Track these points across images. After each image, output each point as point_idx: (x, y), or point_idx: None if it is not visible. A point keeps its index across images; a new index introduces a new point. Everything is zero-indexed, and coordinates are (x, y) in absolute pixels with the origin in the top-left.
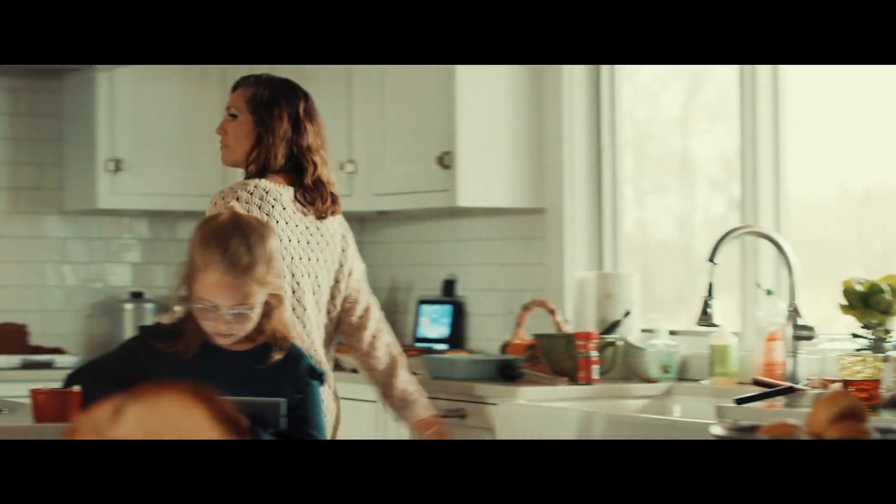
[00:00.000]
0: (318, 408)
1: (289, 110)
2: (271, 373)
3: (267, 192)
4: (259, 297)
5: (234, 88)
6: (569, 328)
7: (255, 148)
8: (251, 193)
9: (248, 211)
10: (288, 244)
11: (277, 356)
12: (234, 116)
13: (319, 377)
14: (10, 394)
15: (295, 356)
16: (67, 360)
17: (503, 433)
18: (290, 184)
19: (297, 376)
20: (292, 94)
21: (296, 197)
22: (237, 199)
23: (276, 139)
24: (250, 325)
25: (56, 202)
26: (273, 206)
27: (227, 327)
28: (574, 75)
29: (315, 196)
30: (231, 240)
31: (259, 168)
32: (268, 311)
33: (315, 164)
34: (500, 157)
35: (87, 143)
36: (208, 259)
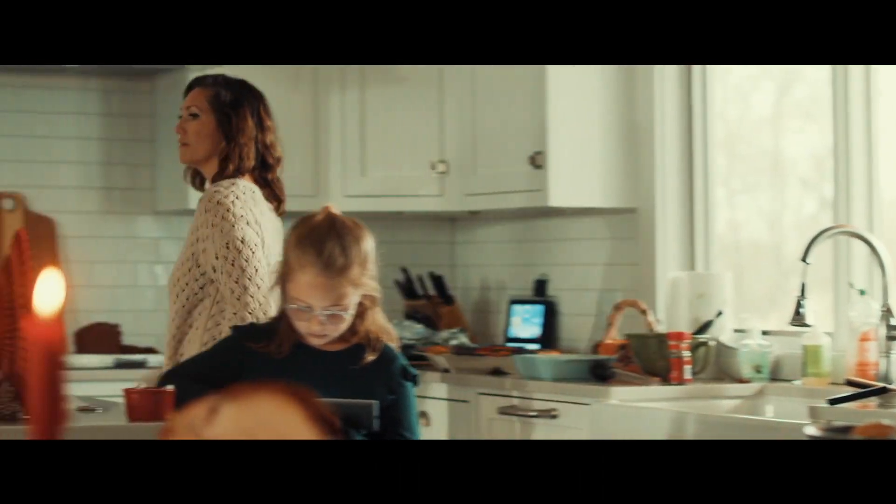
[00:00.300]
0: (411, 409)
1: (251, 110)
2: (364, 373)
3: (254, 192)
4: (353, 299)
5: (190, 88)
6: (661, 328)
7: (225, 148)
8: (244, 192)
9: (248, 210)
10: (270, 243)
11: (371, 357)
12: (195, 116)
13: (413, 378)
14: (103, 393)
15: (388, 357)
16: (160, 360)
17: (595, 433)
18: (255, 182)
19: (390, 377)
20: (252, 94)
21: (265, 196)
22: (237, 197)
23: (247, 139)
24: (344, 326)
25: (148, 202)
26: (257, 205)
27: (320, 328)
28: (666, 74)
29: (278, 194)
30: (327, 241)
31: (235, 167)
32: (361, 311)
33: (278, 162)
34: (592, 156)
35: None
36: (303, 260)
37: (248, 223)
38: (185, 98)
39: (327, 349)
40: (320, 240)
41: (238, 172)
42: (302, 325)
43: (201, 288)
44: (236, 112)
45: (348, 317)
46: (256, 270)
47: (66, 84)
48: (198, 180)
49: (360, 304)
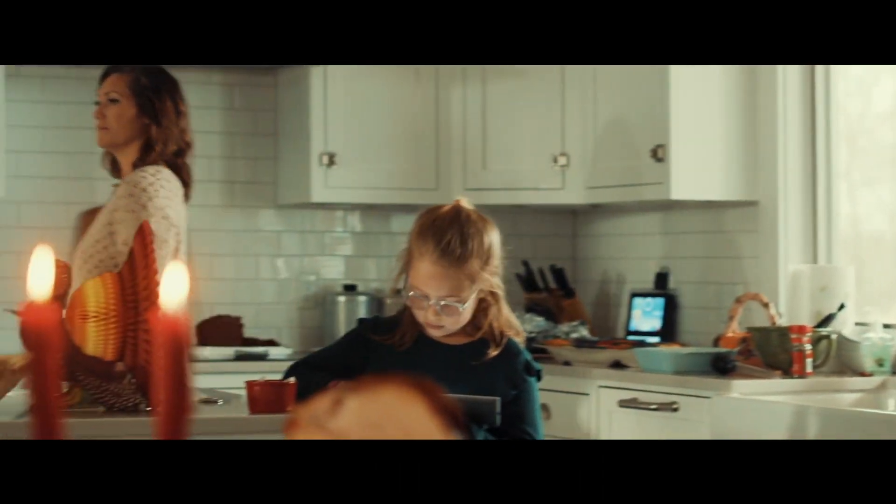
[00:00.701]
0: (534, 404)
1: (170, 95)
2: (487, 368)
3: (175, 182)
4: (471, 292)
5: (106, 75)
6: (782, 321)
7: (148, 132)
8: (168, 181)
9: (168, 202)
10: (182, 230)
11: (493, 352)
12: (114, 101)
13: (536, 374)
14: (224, 385)
15: (511, 352)
16: (281, 352)
17: (716, 426)
18: (169, 167)
19: (513, 372)
20: (169, 80)
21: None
22: (161, 187)
23: (169, 123)
24: (461, 320)
25: (270, 196)
26: (176, 195)
27: (436, 318)
28: (788, 68)
29: (186, 179)
30: (448, 231)
31: (158, 153)
32: (485, 307)
33: (189, 147)
34: (714, 149)
35: (301, 138)
36: (423, 248)
37: (164, 216)
38: (101, 85)
39: (450, 342)
40: (441, 229)
41: (161, 157)
42: (420, 314)
43: (115, 265)
44: (158, 97)
45: (464, 310)
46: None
47: (188, 78)
48: (114, 166)
49: (483, 301)
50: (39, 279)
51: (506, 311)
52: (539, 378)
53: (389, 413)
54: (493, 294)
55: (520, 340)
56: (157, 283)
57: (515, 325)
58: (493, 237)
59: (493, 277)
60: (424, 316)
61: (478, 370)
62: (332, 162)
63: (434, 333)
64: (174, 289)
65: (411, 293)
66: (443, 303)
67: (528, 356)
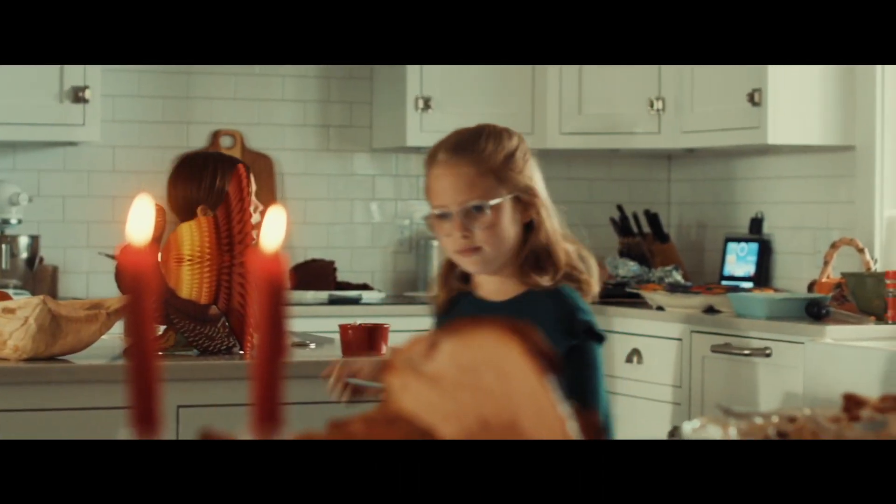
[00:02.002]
0: (588, 371)
1: None
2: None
3: None
4: (500, 193)
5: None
6: (877, 267)
7: None
8: None
9: None
10: None
11: (546, 304)
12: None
13: (597, 337)
14: (318, 328)
15: (567, 307)
16: (374, 296)
17: (809, 372)
18: None
19: (563, 329)
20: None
21: None
22: None
23: None
24: (497, 234)
25: (365, 140)
26: None
27: (465, 240)
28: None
29: None
30: (455, 133)
31: None
32: (535, 225)
33: None
34: (811, 94)
35: (396, 81)
36: (432, 158)
37: None
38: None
39: (494, 299)
40: (445, 139)
41: None
42: (447, 244)
43: None
44: None
45: (499, 219)
46: None
47: None
48: None
49: (528, 219)
50: (139, 223)
51: (554, 232)
52: (601, 340)
53: (485, 356)
54: (534, 205)
55: (592, 285)
56: (252, 227)
57: (583, 259)
58: (514, 141)
59: (530, 182)
60: (452, 243)
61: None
62: (427, 106)
63: (470, 266)
64: (273, 231)
65: (433, 213)
66: (468, 206)
67: (587, 313)
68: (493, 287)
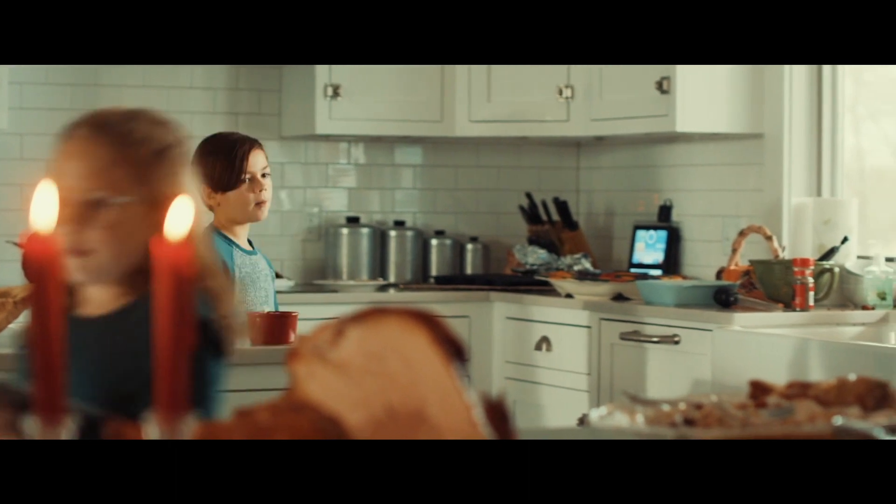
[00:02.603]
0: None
1: None
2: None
3: None
4: (136, 190)
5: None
6: (785, 254)
7: None
8: None
9: None
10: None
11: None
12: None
13: (217, 347)
14: None
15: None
16: (284, 284)
17: (717, 360)
18: None
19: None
20: None
21: None
22: None
23: None
24: (96, 256)
25: (274, 128)
26: None
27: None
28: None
29: None
30: (101, 112)
31: None
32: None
33: None
34: (719, 82)
35: (306, 69)
36: (63, 139)
37: None
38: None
39: (92, 315)
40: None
41: None
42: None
43: None
44: None
45: (125, 221)
46: None
47: None
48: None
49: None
50: (42, 211)
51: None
52: (219, 353)
53: (391, 344)
54: (147, 200)
55: (225, 295)
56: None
57: (211, 266)
58: (181, 141)
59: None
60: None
61: (125, 348)
62: (336, 94)
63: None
64: (178, 220)
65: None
66: (91, 197)
67: (213, 328)
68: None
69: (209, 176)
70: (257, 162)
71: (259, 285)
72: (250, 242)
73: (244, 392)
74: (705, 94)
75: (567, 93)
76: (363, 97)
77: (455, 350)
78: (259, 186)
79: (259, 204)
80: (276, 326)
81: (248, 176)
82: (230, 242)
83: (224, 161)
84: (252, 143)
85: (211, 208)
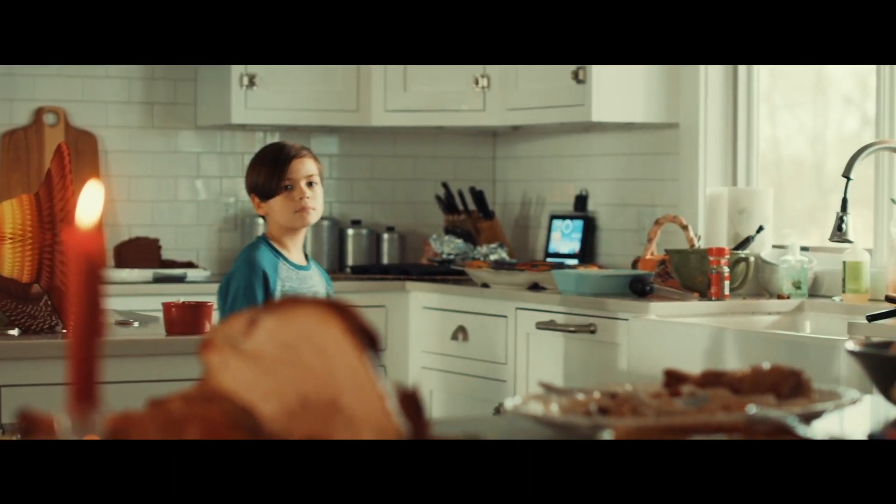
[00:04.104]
0: None
1: None
2: None
3: None
4: None
5: (295, 157)
6: (701, 244)
7: None
8: None
9: None
10: None
11: None
12: (315, 184)
13: None
14: (142, 307)
15: None
16: (199, 274)
17: (633, 349)
18: None
19: None
20: None
21: None
22: None
23: None
24: None
25: (190, 117)
26: None
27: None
28: None
29: None
30: None
31: None
32: None
33: None
34: (635, 71)
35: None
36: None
37: None
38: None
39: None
40: None
41: None
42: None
43: None
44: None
45: None
46: None
47: None
48: None
49: None
50: (89, 206)
51: None
52: None
53: (304, 333)
54: None
55: None
56: (75, 205)
57: None
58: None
59: None
60: None
61: None
62: (252, 83)
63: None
64: (88, 208)
65: None
66: None
67: None
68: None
69: (254, 185)
70: (300, 170)
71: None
72: (308, 256)
73: (158, 382)
74: (621, 83)
75: (483, 82)
76: (279, 87)
77: (369, 340)
78: (300, 194)
79: (299, 211)
80: (191, 316)
81: (288, 183)
82: (277, 254)
83: (267, 169)
84: (297, 152)
85: (264, 218)
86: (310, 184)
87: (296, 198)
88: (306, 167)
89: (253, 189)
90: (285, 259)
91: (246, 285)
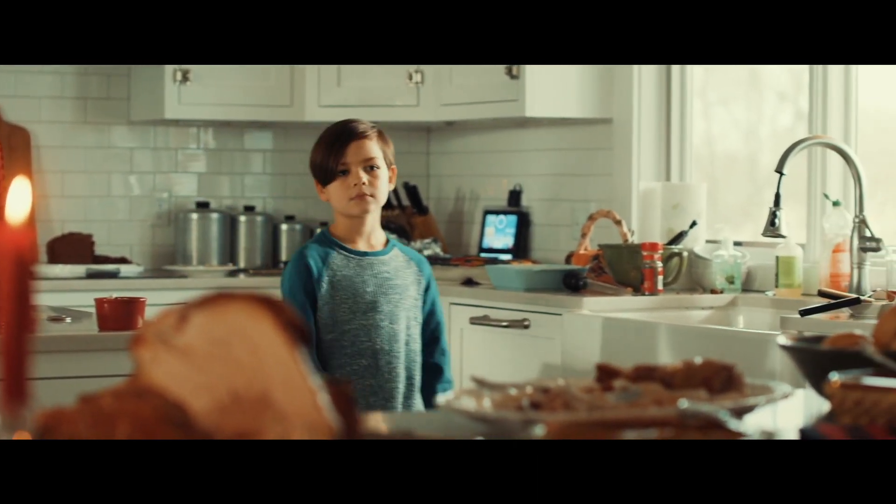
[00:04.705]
0: None
1: None
2: None
3: None
4: None
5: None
6: (634, 239)
7: None
8: None
9: None
10: None
11: None
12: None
13: None
14: (75, 303)
15: None
16: (132, 270)
17: (566, 344)
18: None
19: None
20: None
21: None
22: None
23: None
24: None
25: (123, 112)
26: None
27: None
28: None
29: None
30: None
31: None
32: None
33: None
34: (569, 67)
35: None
36: None
37: None
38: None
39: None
40: None
41: None
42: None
43: None
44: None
45: None
46: None
47: None
48: None
49: None
50: (18, 204)
51: None
52: None
53: (235, 329)
54: None
55: None
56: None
57: None
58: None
59: None
60: None
61: None
62: (185, 78)
63: None
64: (18, 203)
65: None
66: None
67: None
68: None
69: (313, 167)
70: (358, 153)
71: (359, 289)
72: (392, 241)
73: (90, 378)
74: (555, 79)
75: (417, 77)
76: (212, 82)
77: (300, 335)
78: (355, 179)
79: (355, 198)
80: (123, 312)
81: (344, 168)
82: (331, 243)
83: (324, 151)
84: (358, 134)
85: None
86: (371, 168)
87: (350, 184)
88: (365, 150)
89: (312, 172)
90: (340, 246)
91: (290, 286)
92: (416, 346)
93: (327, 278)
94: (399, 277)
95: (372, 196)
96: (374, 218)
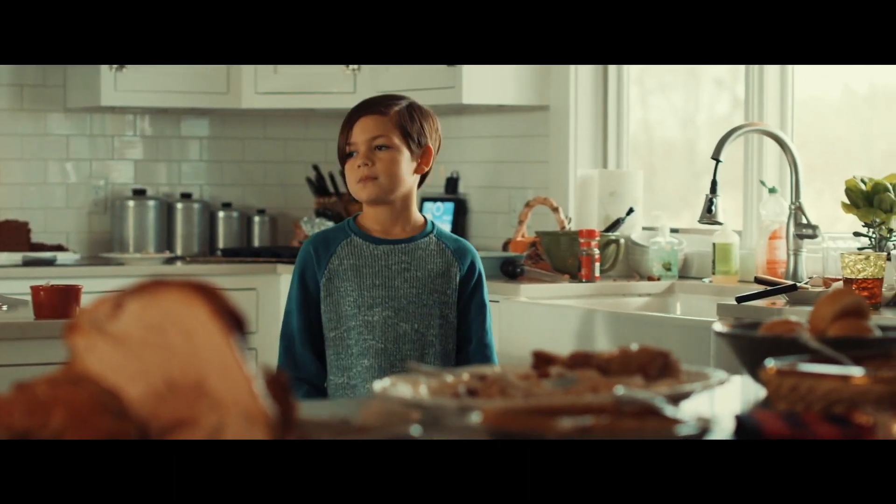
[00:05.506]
0: None
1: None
2: None
3: None
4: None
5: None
6: (571, 226)
7: None
8: None
9: None
10: None
11: None
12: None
13: None
14: (11, 291)
15: None
16: (69, 258)
17: (503, 331)
18: None
19: None
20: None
21: None
22: None
23: None
24: None
25: (59, 99)
26: None
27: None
28: None
29: None
30: None
31: None
32: None
33: None
34: None
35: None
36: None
37: None
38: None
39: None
40: None
41: None
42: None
43: None
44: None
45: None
46: None
47: None
48: None
49: None
50: None
51: None
52: None
53: (170, 316)
54: None
55: None
56: None
57: None
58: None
59: None
60: None
61: None
62: (121, 65)
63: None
64: None
65: None
66: None
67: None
68: None
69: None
70: (363, 131)
71: (365, 281)
72: (430, 226)
73: (26, 366)
74: (492, 66)
75: (353, 65)
76: (149, 69)
77: (235, 322)
78: (359, 160)
79: (360, 182)
80: (60, 299)
81: (352, 149)
82: (348, 229)
83: (340, 132)
84: (365, 110)
85: None
86: (378, 147)
87: (355, 166)
88: (371, 127)
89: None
90: (354, 232)
91: (292, 278)
92: (437, 347)
93: (330, 268)
94: (421, 268)
95: (373, 179)
96: (394, 203)
